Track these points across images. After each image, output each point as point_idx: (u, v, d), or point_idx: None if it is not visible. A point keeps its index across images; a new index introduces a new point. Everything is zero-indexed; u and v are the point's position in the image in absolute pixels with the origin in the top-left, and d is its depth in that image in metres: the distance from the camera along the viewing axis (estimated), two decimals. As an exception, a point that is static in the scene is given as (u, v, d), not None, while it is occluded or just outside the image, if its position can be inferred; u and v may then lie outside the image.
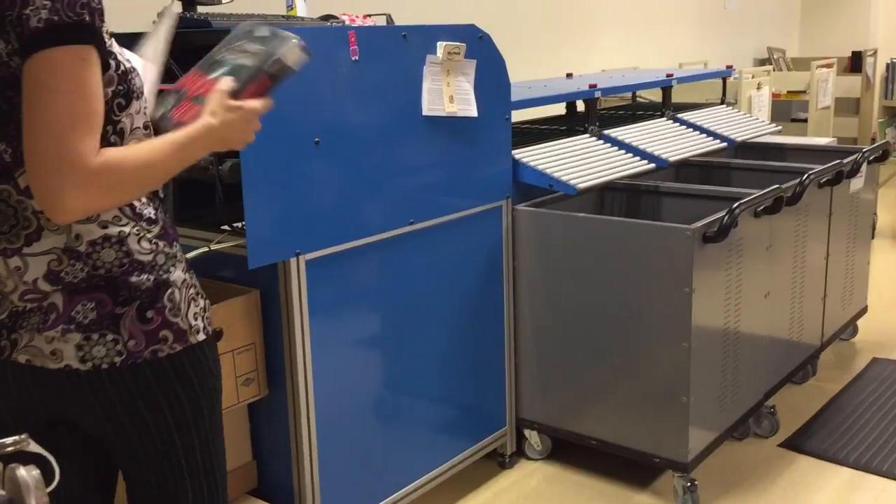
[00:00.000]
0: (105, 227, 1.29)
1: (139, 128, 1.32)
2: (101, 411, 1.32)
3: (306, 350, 2.10)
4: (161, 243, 1.34)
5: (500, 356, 2.72)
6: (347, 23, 2.31)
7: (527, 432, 2.82)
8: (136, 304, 1.29)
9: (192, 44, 1.79)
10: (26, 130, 1.16)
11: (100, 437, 1.37)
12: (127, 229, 1.30)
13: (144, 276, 1.30)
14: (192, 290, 1.39)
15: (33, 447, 0.98)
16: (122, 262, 1.29)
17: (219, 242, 2.06)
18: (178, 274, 1.35)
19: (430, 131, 2.35)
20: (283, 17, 2.34)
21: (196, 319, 1.37)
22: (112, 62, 1.25)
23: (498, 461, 2.82)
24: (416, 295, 2.40)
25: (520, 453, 2.85)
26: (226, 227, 2.18)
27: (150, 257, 1.32)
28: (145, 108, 1.34)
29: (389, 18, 2.53)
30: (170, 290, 1.33)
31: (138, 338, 1.29)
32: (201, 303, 1.41)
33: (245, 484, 2.22)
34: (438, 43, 2.32)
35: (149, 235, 1.33)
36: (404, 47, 2.25)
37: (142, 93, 1.33)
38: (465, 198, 2.51)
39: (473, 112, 2.44)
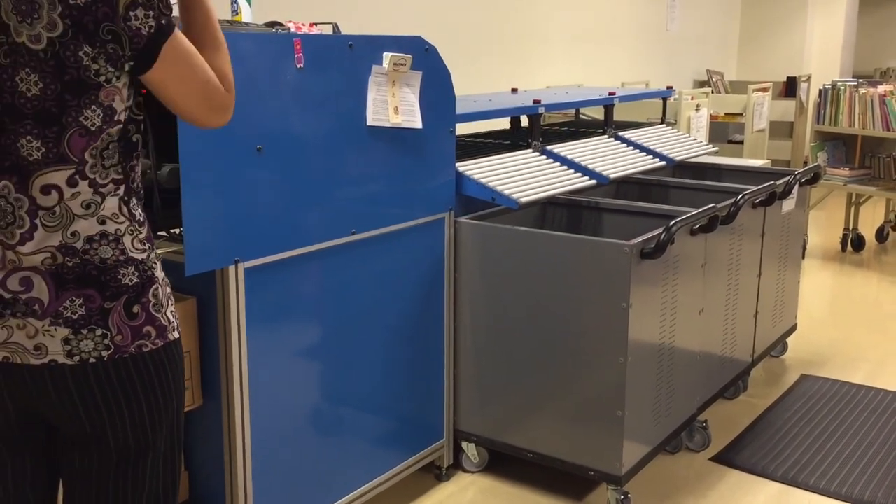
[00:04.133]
0: (104, 222, 1.31)
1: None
2: (80, 406, 1.32)
3: (242, 359, 2.07)
4: (147, 244, 1.38)
5: (439, 368, 2.72)
6: (293, 30, 2.30)
7: (464, 444, 2.83)
8: (124, 299, 1.32)
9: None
10: (183, 99, 1.35)
11: (71, 435, 1.36)
12: (123, 227, 1.33)
13: (132, 270, 1.33)
14: (168, 289, 1.43)
15: None
16: (117, 259, 1.33)
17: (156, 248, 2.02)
18: (159, 272, 1.40)
19: (375, 142, 2.35)
20: (227, 21, 2.31)
21: (173, 317, 1.41)
22: None
23: (434, 473, 2.81)
24: (356, 305, 2.38)
25: (456, 465, 2.85)
26: (163, 233, 2.14)
27: (143, 255, 1.36)
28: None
29: (336, 27, 2.52)
30: (154, 287, 1.37)
31: (125, 332, 1.32)
32: (174, 302, 1.45)
33: (176, 495, 2.17)
34: (385, 53, 2.32)
35: (140, 236, 1.36)
36: (350, 57, 2.24)
37: None
38: (408, 209, 2.51)
39: (418, 124, 2.44)
